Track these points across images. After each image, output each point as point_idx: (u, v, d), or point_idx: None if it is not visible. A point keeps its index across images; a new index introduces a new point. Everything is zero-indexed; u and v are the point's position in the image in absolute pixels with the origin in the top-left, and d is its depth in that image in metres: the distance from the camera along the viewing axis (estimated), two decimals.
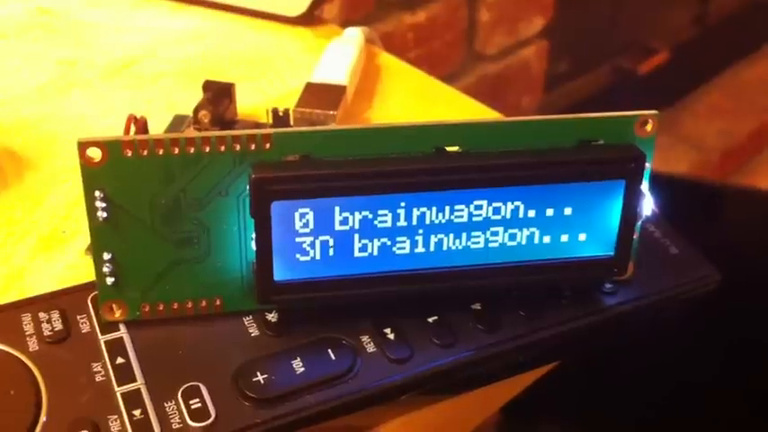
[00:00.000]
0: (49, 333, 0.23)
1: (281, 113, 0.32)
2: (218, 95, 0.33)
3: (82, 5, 0.43)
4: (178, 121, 0.33)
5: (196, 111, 0.32)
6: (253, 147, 0.22)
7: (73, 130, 0.34)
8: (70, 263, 0.28)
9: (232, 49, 0.40)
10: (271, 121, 0.32)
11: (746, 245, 0.61)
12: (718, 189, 0.82)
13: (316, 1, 0.41)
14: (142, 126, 0.28)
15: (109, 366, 0.23)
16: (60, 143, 0.33)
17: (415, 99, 0.38)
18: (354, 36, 0.39)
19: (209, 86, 0.33)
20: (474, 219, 0.24)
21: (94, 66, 0.38)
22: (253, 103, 0.35)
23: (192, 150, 0.22)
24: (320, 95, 0.34)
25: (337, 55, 0.37)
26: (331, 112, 0.33)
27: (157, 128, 0.32)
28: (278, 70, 0.39)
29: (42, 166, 0.32)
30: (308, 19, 0.41)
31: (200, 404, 0.22)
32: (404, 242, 0.24)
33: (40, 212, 0.30)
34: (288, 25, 0.42)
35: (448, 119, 0.24)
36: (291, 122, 0.32)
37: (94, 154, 0.22)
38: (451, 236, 0.24)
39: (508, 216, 0.24)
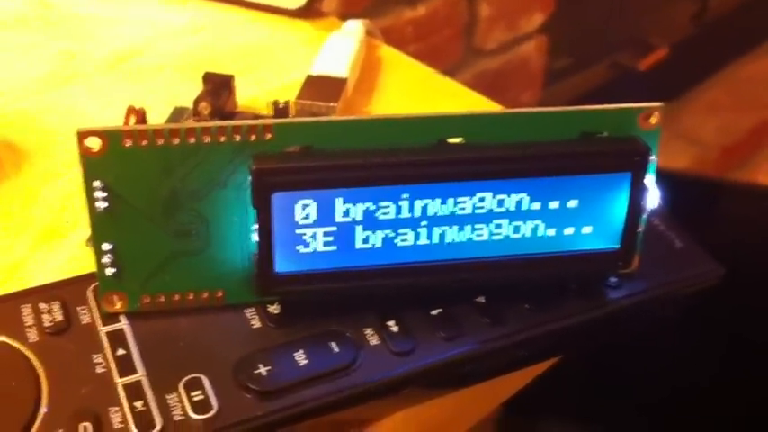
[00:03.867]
0: (49, 324, 0.23)
1: (281, 106, 0.32)
2: (218, 87, 0.32)
3: None
4: (178, 113, 0.32)
5: (196, 103, 0.32)
6: (253, 137, 0.22)
7: (72, 122, 0.34)
8: (71, 254, 0.28)
9: (231, 41, 0.40)
10: (272, 113, 0.32)
11: (745, 241, 0.61)
12: (717, 185, 0.82)
13: None
14: (141, 117, 0.28)
15: (110, 358, 0.23)
16: (59, 135, 0.33)
17: (415, 91, 0.38)
18: (354, 28, 0.39)
19: (208, 78, 0.33)
20: (477, 211, 0.24)
21: (93, 58, 0.38)
22: (252, 96, 0.35)
23: (192, 141, 0.22)
24: (321, 88, 0.34)
25: (337, 47, 0.36)
26: (332, 105, 0.33)
27: (157, 120, 0.32)
28: (277, 62, 0.38)
29: (41, 159, 0.32)
30: (308, 11, 0.41)
31: (202, 396, 0.22)
32: (407, 234, 0.24)
33: (40, 204, 0.30)
34: (287, 18, 0.42)
35: (450, 111, 0.24)
36: (292, 114, 0.32)
37: (94, 144, 0.22)
38: (455, 228, 0.24)
39: (512, 208, 0.24)
